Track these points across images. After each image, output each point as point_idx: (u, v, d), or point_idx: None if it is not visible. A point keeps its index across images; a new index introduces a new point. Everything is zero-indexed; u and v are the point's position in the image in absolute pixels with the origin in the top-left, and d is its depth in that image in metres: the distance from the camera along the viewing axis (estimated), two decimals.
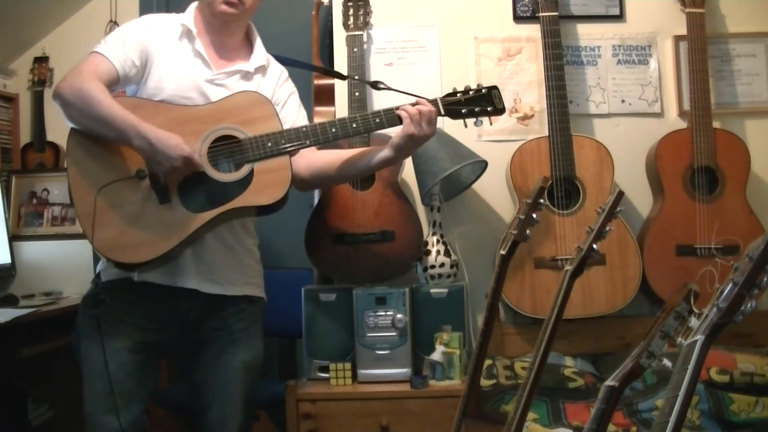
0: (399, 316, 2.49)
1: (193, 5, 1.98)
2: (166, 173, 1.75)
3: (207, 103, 1.87)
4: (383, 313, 2.50)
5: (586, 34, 2.88)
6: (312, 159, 1.97)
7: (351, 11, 2.72)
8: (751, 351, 2.39)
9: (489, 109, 1.93)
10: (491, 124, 2.01)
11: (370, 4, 2.74)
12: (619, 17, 2.89)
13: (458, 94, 1.93)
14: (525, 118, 2.87)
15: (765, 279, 1.01)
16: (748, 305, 1.01)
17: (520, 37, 2.88)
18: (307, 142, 1.84)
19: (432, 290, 2.58)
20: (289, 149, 1.83)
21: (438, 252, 2.66)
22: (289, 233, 2.80)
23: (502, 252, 1.99)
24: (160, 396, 2.54)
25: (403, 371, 2.50)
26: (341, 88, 2.75)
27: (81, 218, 1.79)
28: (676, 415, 1.00)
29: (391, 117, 1.87)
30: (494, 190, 2.84)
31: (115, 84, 1.85)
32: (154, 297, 1.86)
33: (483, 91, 1.93)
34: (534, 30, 2.79)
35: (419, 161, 2.63)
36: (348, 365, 2.50)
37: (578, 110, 2.84)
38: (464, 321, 2.57)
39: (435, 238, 2.68)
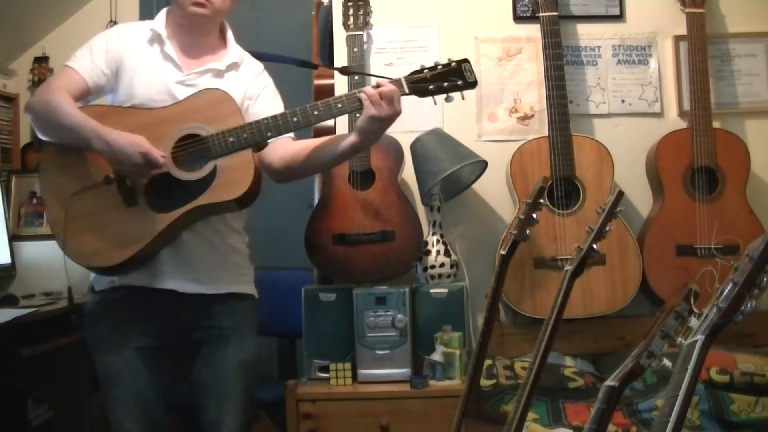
0: (399, 316, 2.49)
1: (164, 10, 2.00)
2: (130, 173, 1.77)
3: (172, 103, 1.87)
4: (383, 313, 2.50)
5: (586, 34, 2.88)
6: (285, 150, 1.95)
7: (351, 11, 2.72)
8: (751, 351, 2.39)
9: (459, 83, 1.85)
10: (463, 98, 1.90)
11: (370, 4, 2.73)
12: (619, 17, 2.89)
13: (425, 71, 1.86)
14: (525, 118, 2.87)
15: (765, 279, 1.01)
16: (748, 305, 1.01)
17: (520, 37, 2.88)
18: (269, 134, 1.82)
19: (432, 290, 2.58)
20: (251, 143, 1.81)
21: (438, 252, 2.66)
22: (289, 233, 2.81)
23: (502, 252, 2.00)
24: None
25: (403, 371, 2.50)
26: (341, 87, 2.75)
27: (53, 228, 1.83)
28: (676, 415, 1.00)
29: (353, 101, 1.82)
30: (494, 190, 2.84)
31: (87, 95, 1.90)
32: (147, 301, 1.88)
33: (452, 65, 1.86)
34: (534, 30, 2.79)
35: (419, 161, 2.63)
36: (348, 365, 2.50)
37: (578, 110, 2.84)
38: (464, 321, 2.57)
39: (435, 238, 2.68)
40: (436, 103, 1.88)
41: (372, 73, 1.92)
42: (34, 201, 3.23)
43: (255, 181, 1.80)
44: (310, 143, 1.97)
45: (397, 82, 1.83)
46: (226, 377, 1.91)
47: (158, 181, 1.79)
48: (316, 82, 2.84)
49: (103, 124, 1.78)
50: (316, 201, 2.74)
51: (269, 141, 1.88)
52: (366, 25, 2.72)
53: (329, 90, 2.80)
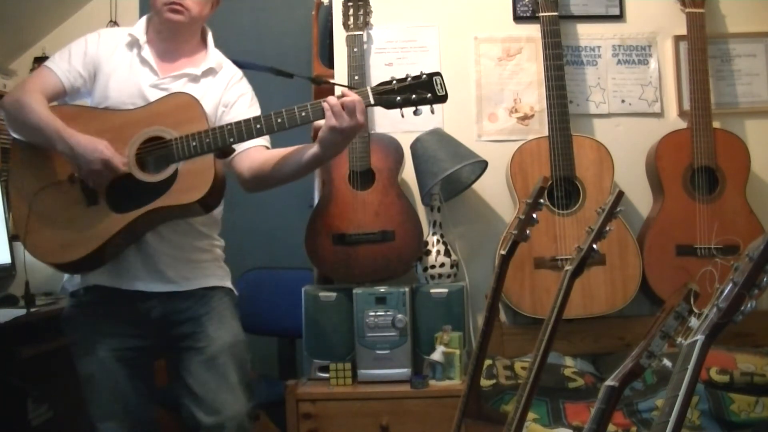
0: (399, 316, 2.49)
1: (145, 17, 2.02)
2: (89, 176, 1.79)
3: (141, 106, 1.89)
4: (383, 313, 2.50)
5: (586, 34, 2.88)
6: (253, 160, 1.95)
7: (351, 11, 2.72)
8: (751, 351, 2.39)
9: (428, 96, 1.81)
10: (432, 112, 1.86)
11: (370, 4, 2.73)
12: (619, 17, 2.89)
13: (393, 82, 1.82)
14: (525, 118, 2.87)
15: (765, 279, 1.01)
16: (748, 305, 1.01)
17: (520, 37, 2.88)
18: (231, 140, 1.82)
19: (432, 290, 2.58)
20: (213, 148, 1.81)
21: (438, 252, 2.66)
22: (289, 233, 2.81)
23: (502, 252, 2.00)
24: (160, 395, 2.54)
25: (403, 371, 2.50)
26: (340, 87, 2.75)
27: (16, 224, 1.87)
28: (676, 415, 1.00)
29: (317, 110, 1.80)
30: (494, 190, 2.84)
31: (62, 95, 1.92)
32: (118, 302, 1.90)
33: (423, 77, 1.82)
34: (534, 30, 2.79)
35: (419, 161, 2.63)
36: (348, 365, 2.50)
37: (578, 110, 2.84)
38: (464, 321, 2.57)
39: (435, 238, 2.68)
40: (403, 116, 1.84)
41: (340, 83, 1.89)
42: None
43: (214, 186, 1.79)
44: (278, 153, 1.95)
45: (363, 92, 1.81)
46: (215, 362, 1.90)
47: (121, 182, 1.81)
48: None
49: (71, 125, 1.81)
50: (316, 201, 2.74)
51: (234, 146, 1.88)
52: (366, 25, 2.72)
53: (329, 92, 2.79)
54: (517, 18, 2.89)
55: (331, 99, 1.79)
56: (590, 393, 2.34)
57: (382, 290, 2.53)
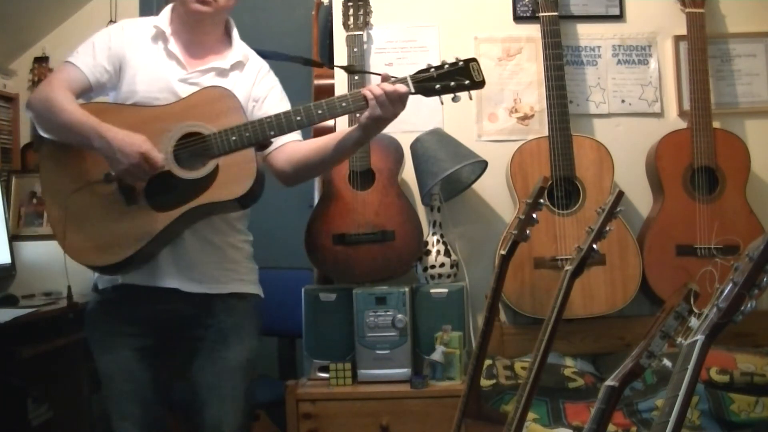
0: (399, 316, 2.49)
1: (169, 7, 1.98)
2: (128, 172, 1.74)
3: (174, 101, 1.86)
4: (383, 313, 2.50)
5: (586, 34, 2.88)
6: (292, 152, 1.95)
7: (351, 11, 2.72)
8: (751, 351, 2.39)
9: (466, 82, 1.83)
10: (471, 98, 1.88)
11: (370, 4, 2.73)
12: (619, 17, 2.89)
13: (432, 69, 1.83)
14: (525, 118, 2.87)
15: (765, 279, 1.01)
16: (748, 305, 1.01)
17: (520, 37, 2.88)
18: (271, 133, 1.80)
19: (432, 290, 2.58)
20: (253, 142, 1.79)
21: (438, 252, 2.66)
22: (289, 233, 2.81)
23: (502, 252, 2.00)
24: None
25: (403, 371, 2.50)
26: (341, 87, 2.75)
27: (53, 226, 1.82)
28: (676, 415, 1.00)
29: (358, 100, 1.80)
30: (494, 190, 2.84)
31: (88, 92, 1.88)
32: (144, 302, 1.88)
33: (460, 64, 1.84)
34: (534, 30, 2.79)
35: (419, 161, 2.63)
36: (348, 365, 2.50)
37: (578, 110, 2.84)
38: (464, 321, 2.57)
39: (435, 238, 2.68)
40: (443, 103, 1.85)
41: (375, 72, 1.88)
42: (34, 201, 3.23)
43: (257, 180, 1.78)
44: (314, 143, 1.96)
45: (402, 81, 1.81)
46: (227, 377, 1.91)
47: (159, 180, 1.78)
48: (316, 81, 2.84)
49: (103, 121, 1.77)
50: (316, 201, 2.74)
51: (272, 140, 1.87)
52: (366, 25, 2.72)
53: (329, 90, 2.80)
54: (517, 18, 2.89)
55: (374, 89, 1.79)
56: (590, 393, 2.34)
57: (382, 290, 2.53)
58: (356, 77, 2.59)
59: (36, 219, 3.21)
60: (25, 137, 3.35)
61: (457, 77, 1.82)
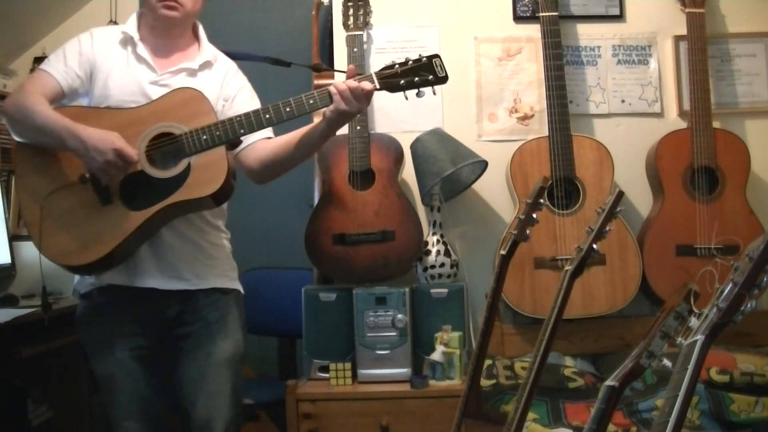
0: (399, 316, 2.49)
1: (135, 14, 2.01)
2: (102, 170, 1.77)
3: (145, 103, 1.88)
4: (383, 313, 2.50)
5: (586, 34, 2.88)
6: (260, 150, 1.97)
7: (351, 11, 2.72)
8: (751, 351, 2.39)
9: (430, 77, 1.86)
10: (434, 93, 1.91)
11: (370, 4, 2.73)
12: (619, 17, 2.89)
13: (396, 66, 1.87)
14: (525, 118, 2.87)
15: (765, 279, 1.01)
16: (748, 305, 1.01)
17: (520, 37, 2.88)
18: (241, 132, 1.83)
19: (432, 290, 2.58)
20: (224, 140, 1.82)
21: (438, 252, 2.66)
22: (289, 233, 2.81)
23: (502, 252, 1.99)
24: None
25: (403, 371, 2.50)
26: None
27: (29, 228, 1.84)
28: (676, 415, 1.00)
29: (324, 96, 1.84)
30: (494, 190, 2.84)
31: (61, 97, 1.90)
32: (132, 301, 1.89)
33: (423, 60, 1.88)
34: (534, 30, 2.79)
35: (419, 161, 2.63)
36: (348, 365, 2.50)
37: (578, 110, 2.84)
38: (464, 321, 2.57)
39: (435, 238, 2.68)
40: (407, 98, 1.88)
41: (341, 69, 1.91)
42: None
43: (228, 177, 1.81)
44: (281, 140, 1.98)
45: (368, 77, 1.84)
46: (214, 372, 1.91)
47: (133, 180, 1.80)
48: (317, 81, 2.83)
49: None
50: (316, 201, 2.74)
51: (242, 138, 1.89)
52: (366, 25, 2.72)
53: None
54: (517, 18, 2.89)
55: (339, 84, 1.82)
56: (590, 393, 2.34)
57: (382, 290, 2.53)
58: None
59: None
60: None
61: (420, 73, 1.86)
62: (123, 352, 1.89)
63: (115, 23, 3.23)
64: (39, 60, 3.30)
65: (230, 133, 1.81)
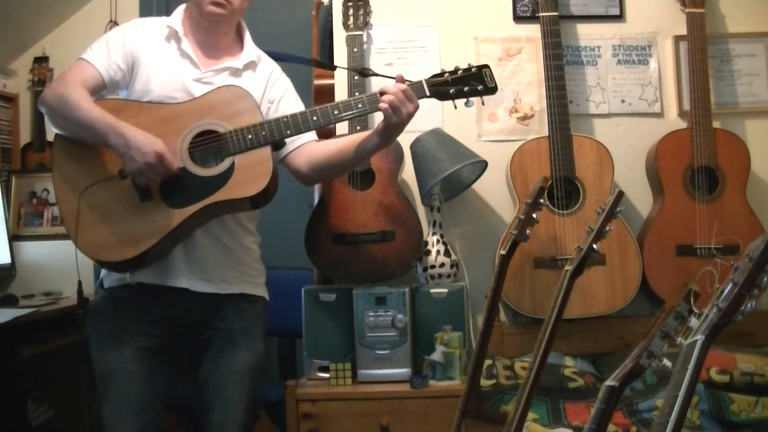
0: (399, 316, 2.49)
1: (181, 7, 1.99)
2: (140, 171, 1.74)
3: (189, 99, 1.86)
4: (383, 313, 2.50)
5: (586, 34, 2.88)
6: (311, 153, 1.96)
7: (351, 11, 2.72)
8: (751, 351, 2.39)
9: (479, 88, 1.86)
10: (483, 103, 1.93)
11: (370, 4, 2.73)
12: (619, 17, 2.89)
13: (446, 74, 1.87)
14: (525, 118, 2.87)
15: (765, 279, 1.01)
16: (748, 305, 1.01)
17: (520, 37, 2.88)
18: (288, 133, 1.81)
19: (432, 290, 2.58)
20: (269, 140, 1.80)
21: (438, 252, 2.66)
22: (289, 233, 2.80)
23: (502, 252, 2.00)
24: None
25: (403, 371, 2.50)
26: (341, 87, 2.75)
27: (65, 221, 1.81)
28: (676, 415, 1.00)
29: (373, 101, 1.83)
30: (494, 190, 2.84)
31: (101, 89, 1.88)
32: (153, 301, 1.87)
33: (473, 70, 1.87)
34: (534, 30, 2.79)
35: (419, 161, 2.63)
36: (348, 365, 2.50)
37: (578, 110, 2.84)
38: (464, 321, 2.57)
39: (435, 238, 2.68)
40: (455, 107, 1.88)
41: (390, 75, 1.91)
42: (34, 201, 3.23)
43: (272, 178, 1.79)
44: (334, 145, 1.97)
45: (418, 85, 1.84)
46: (234, 380, 1.91)
47: (174, 177, 1.78)
48: (316, 82, 2.83)
49: (118, 119, 1.77)
50: (316, 201, 2.74)
51: (287, 140, 1.88)
52: (366, 25, 2.72)
53: (329, 90, 2.80)
54: (517, 18, 2.89)
55: (391, 88, 1.81)
56: (590, 393, 2.34)
57: (382, 290, 2.53)
58: (356, 77, 2.59)
59: (36, 219, 3.21)
60: (25, 137, 3.35)
61: (471, 82, 1.86)
62: (129, 350, 1.86)
63: (116, 23, 3.23)
64: (39, 60, 3.30)
65: (276, 133, 1.80)
